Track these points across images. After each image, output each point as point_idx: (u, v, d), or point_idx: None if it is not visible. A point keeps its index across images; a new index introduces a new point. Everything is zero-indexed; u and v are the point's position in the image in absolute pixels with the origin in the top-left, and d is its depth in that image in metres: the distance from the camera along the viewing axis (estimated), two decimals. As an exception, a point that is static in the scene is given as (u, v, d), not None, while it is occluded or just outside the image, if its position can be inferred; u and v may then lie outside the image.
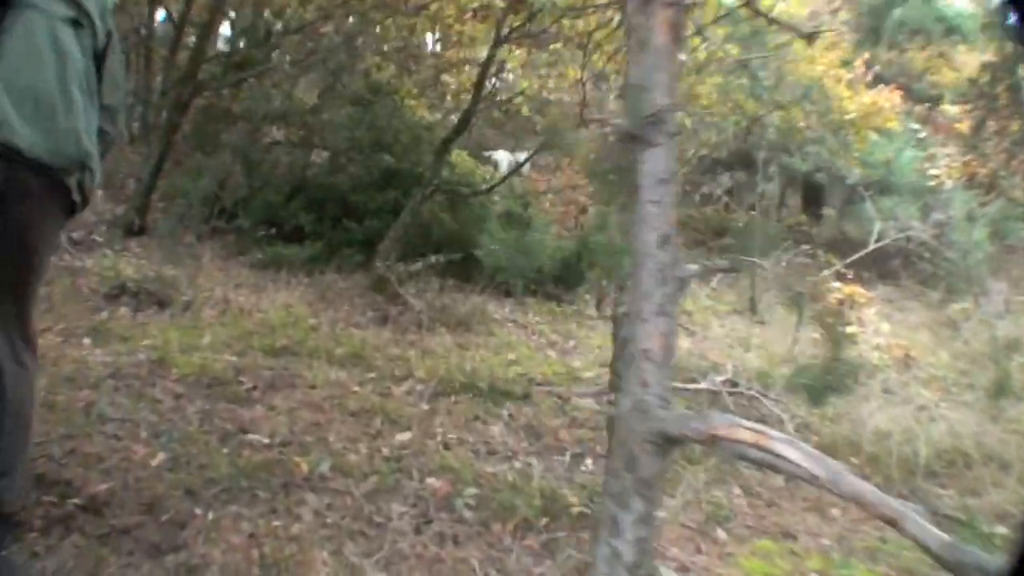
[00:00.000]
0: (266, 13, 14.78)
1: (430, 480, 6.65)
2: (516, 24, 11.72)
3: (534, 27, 11.98)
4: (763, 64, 11.48)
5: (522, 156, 19.56)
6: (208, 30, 13.71)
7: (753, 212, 20.49)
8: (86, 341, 8.56)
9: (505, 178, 13.78)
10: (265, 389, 8.12)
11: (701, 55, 11.55)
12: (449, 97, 16.48)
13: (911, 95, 22.85)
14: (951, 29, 25.12)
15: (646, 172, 3.68)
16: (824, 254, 19.30)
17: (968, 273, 19.85)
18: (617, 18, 10.53)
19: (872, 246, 18.98)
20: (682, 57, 11.88)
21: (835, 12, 19.89)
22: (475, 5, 11.96)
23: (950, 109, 18.25)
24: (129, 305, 9.76)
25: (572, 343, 11.97)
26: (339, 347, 9.59)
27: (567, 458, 7.89)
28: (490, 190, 13.52)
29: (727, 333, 14.48)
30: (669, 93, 3.71)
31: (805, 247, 19.31)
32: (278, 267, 11.91)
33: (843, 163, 22.17)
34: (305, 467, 6.35)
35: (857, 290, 13.05)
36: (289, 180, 13.53)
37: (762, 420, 9.42)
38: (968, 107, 16.65)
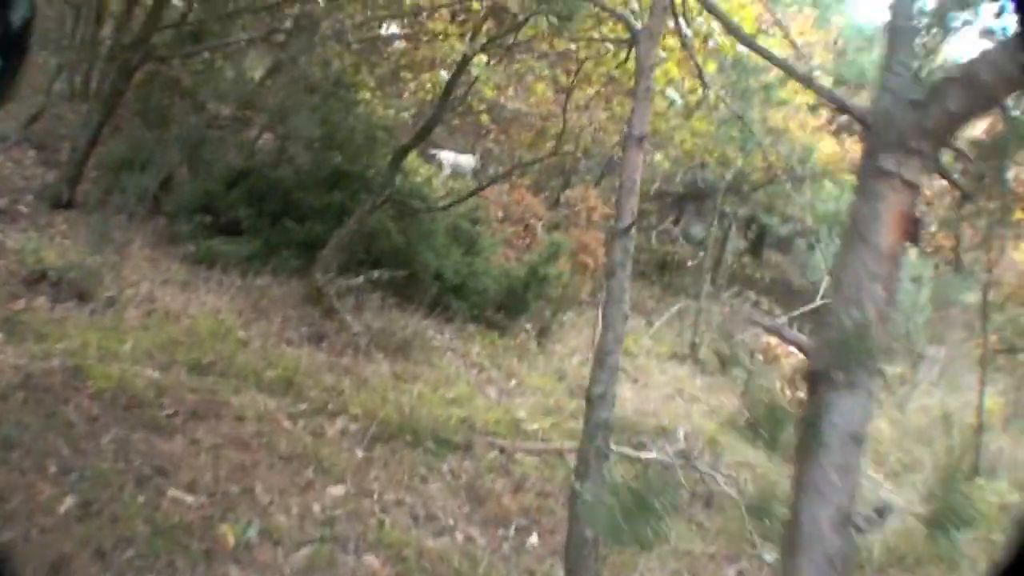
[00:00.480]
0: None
1: (368, 558, 6.12)
2: (495, 33, 11.12)
3: (511, 38, 11.38)
4: (748, 112, 11.07)
5: (464, 158, 19.00)
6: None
7: (701, 252, 20.13)
8: (-2, 335, 7.84)
9: (465, 197, 13.14)
10: (188, 417, 7.47)
11: (692, 99, 11.09)
12: (407, 95, 15.81)
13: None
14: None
15: (835, 424, 2.75)
16: (766, 302, 19.16)
17: (908, 336, 19.83)
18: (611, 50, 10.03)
19: (819, 301, 18.80)
20: (676, 98, 11.56)
21: (807, 55, 19.58)
22: (455, 6, 11.31)
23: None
24: (48, 295, 9.00)
25: (513, 382, 11.48)
26: (270, 368, 8.95)
27: (512, 531, 7.40)
28: (447, 207, 12.88)
29: (669, 381, 14.10)
30: (886, 314, 2.79)
31: (749, 292, 19.14)
32: (211, 264, 11.17)
33: (794, 209, 22.02)
34: (231, 536, 5.74)
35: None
36: (231, 166, 12.74)
37: (711, 494, 9.10)
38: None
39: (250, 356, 9.13)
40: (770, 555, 8.94)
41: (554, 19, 8.77)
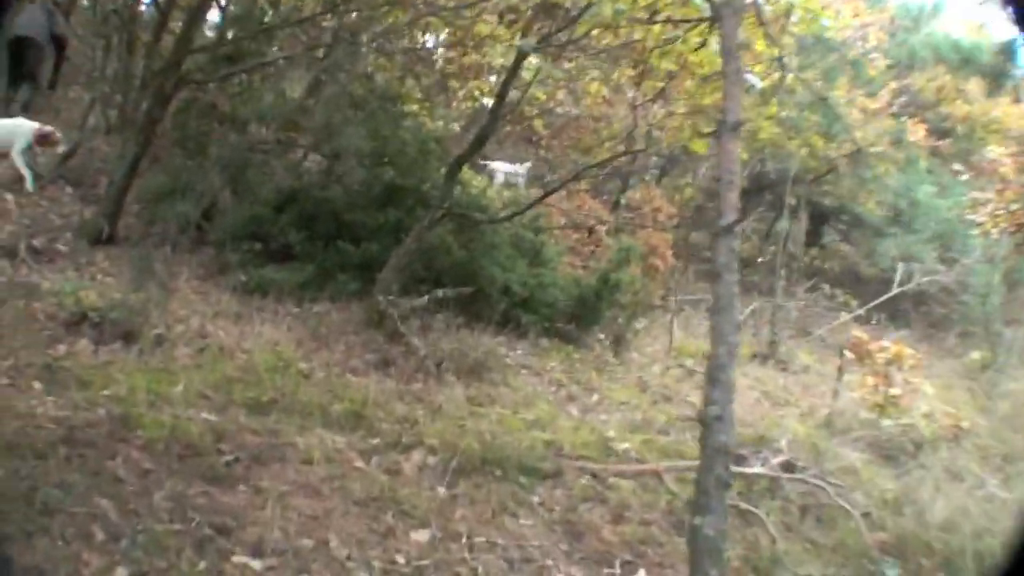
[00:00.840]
0: (261, 1, 13.22)
1: (463, 615, 5.30)
2: (550, 30, 10.32)
3: (567, 35, 10.57)
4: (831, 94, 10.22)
5: (517, 167, 18.21)
6: (196, 16, 12.18)
7: (772, 247, 19.16)
8: (36, 385, 7.12)
9: (528, 207, 12.30)
10: (250, 462, 6.70)
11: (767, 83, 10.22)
12: (455, 104, 15.07)
13: (931, 128, 21.77)
14: (966, 60, 24.09)
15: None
16: (841, 294, 18.15)
17: (985, 318, 18.87)
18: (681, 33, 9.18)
19: (896, 289, 17.89)
20: (756, 82, 10.65)
21: (864, 36, 18.66)
22: (503, 6, 10.48)
23: (992, 151, 17.06)
24: (91, 337, 8.28)
25: (595, 397, 10.64)
26: (336, 401, 8.17)
27: (617, 569, 6.55)
28: (510, 218, 12.06)
29: (752, 384, 13.21)
30: None
31: (823, 285, 18.18)
32: (264, 293, 10.45)
33: (859, 197, 21.10)
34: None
35: (905, 350, 11.84)
36: (278, 189, 12.00)
37: (821, 507, 8.38)
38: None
39: (313, 389, 8.36)
40: (893, 570, 8.08)
41: (619, 6, 7.96)
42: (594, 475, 8.06)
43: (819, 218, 23.67)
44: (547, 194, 12.71)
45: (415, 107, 13.89)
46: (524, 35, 10.58)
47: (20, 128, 11.93)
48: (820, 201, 22.13)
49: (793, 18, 8.96)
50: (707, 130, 11.01)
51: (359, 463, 7.13)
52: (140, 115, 12.07)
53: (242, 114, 12.19)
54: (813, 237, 23.82)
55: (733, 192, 5.63)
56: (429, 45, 13.34)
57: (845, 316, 17.92)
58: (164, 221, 11.23)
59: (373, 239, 11.41)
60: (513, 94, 11.82)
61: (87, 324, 8.41)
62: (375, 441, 7.63)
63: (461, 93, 14.57)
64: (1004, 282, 19.55)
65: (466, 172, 13.06)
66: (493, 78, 13.51)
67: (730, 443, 5.31)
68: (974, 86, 23.97)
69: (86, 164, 12.88)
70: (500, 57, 12.10)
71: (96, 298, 8.74)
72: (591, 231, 14.80)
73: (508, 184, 17.58)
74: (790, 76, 8.91)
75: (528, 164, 18.88)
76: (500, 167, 17.96)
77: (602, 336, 12.92)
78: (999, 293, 19.50)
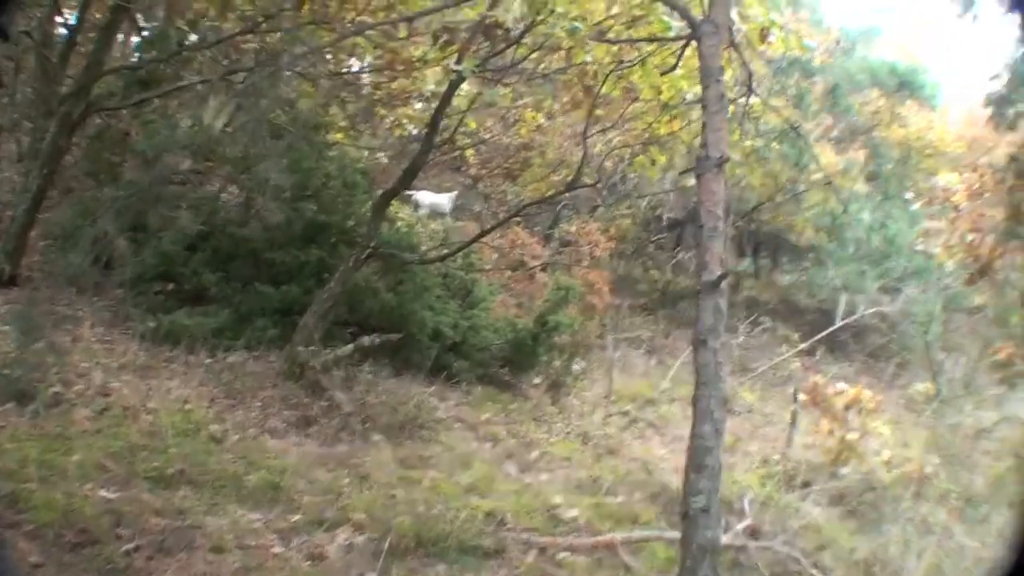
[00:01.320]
0: (180, 22, 12.35)
1: None
2: (489, 53, 9.65)
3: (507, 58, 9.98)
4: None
5: (442, 197, 17.52)
6: (107, 36, 11.27)
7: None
8: (-89, 460, 6.32)
9: (462, 247, 11.60)
10: (153, 552, 5.95)
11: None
12: (381, 133, 14.35)
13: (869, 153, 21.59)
14: (903, 84, 23.96)
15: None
16: (781, 327, 17.75)
17: (925, 348, 18.65)
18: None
19: (840, 322, 17.57)
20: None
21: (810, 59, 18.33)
22: (435, 27, 9.70)
23: (943, 178, 16.83)
24: (-21, 399, 7.43)
25: (535, 453, 10.03)
26: (251, 471, 7.45)
27: None
28: (442, 259, 11.38)
29: (696, 428, 12.63)
30: None
31: (763, 319, 17.77)
32: (174, 342, 9.65)
33: (796, 224, 20.79)
34: None
35: (864, 392, 11.47)
36: (191, 226, 11.15)
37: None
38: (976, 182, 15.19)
39: (226, 456, 7.63)
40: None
41: (575, 24, 7.34)
42: (542, 549, 7.41)
43: (752, 247, 23.34)
44: (483, 234, 12.02)
45: (339, 136, 13.13)
46: (460, 59, 9.88)
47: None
48: (754, 229, 21.79)
49: (770, 38, 8.32)
50: (661, 159, 10.40)
51: (277, 548, 6.41)
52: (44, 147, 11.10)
53: (155, 143, 11.32)
54: (756, 266, 23.50)
55: (717, 241, 5.07)
56: (355, 69, 12.47)
57: (786, 350, 17.47)
58: (69, 261, 10.40)
59: (294, 280, 10.68)
60: (444, 122, 11.17)
61: (-25, 383, 7.57)
62: (295, 518, 6.93)
63: (388, 121, 13.82)
64: (944, 310, 19.33)
65: (392, 204, 12.39)
66: (421, 105, 12.74)
67: (717, 539, 4.74)
68: (908, 109, 23.86)
69: (-10, 198, 11.95)
70: (432, 83, 11.44)
71: (-11, 350, 7.91)
72: (524, 267, 14.13)
73: (433, 214, 16.83)
74: (756, 101, 8.38)
75: (454, 193, 18.18)
76: (425, 197, 17.18)
77: (538, 381, 12.29)
78: (939, 321, 19.30)
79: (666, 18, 7.94)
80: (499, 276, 13.86)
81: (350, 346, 9.80)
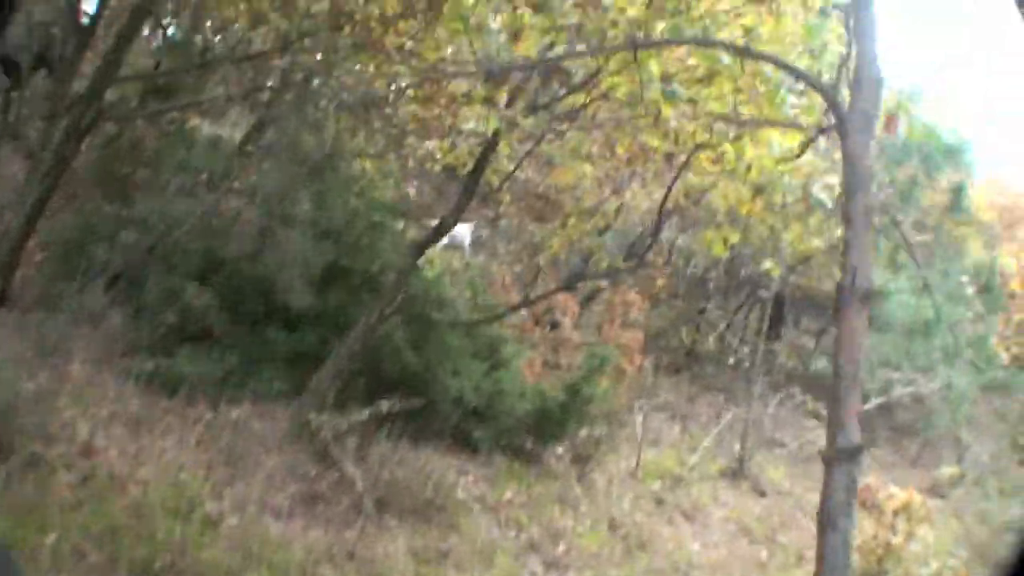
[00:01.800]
0: (205, 29, 11.34)
1: None
2: (551, 98, 8.69)
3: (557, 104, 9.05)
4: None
5: (461, 228, 16.42)
6: (125, 40, 10.24)
7: (735, 341, 17.67)
8: None
9: (501, 316, 10.55)
10: None
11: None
12: (410, 163, 13.30)
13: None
14: (947, 151, 23.02)
15: None
16: (810, 400, 16.69)
17: (953, 429, 17.87)
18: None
19: (875, 401, 16.58)
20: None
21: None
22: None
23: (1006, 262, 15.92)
24: (-54, 455, 6.44)
25: (561, 547, 9.05)
26: (249, 567, 6.44)
27: None
28: (476, 324, 10.34)
29: (729, 516, 11.73)
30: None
31: (792, 390, 16.74)
32: (173, 389, 8.62)
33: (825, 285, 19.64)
34: None
35: (915, 497, 10.62)
36: (204, 252, 10.14)
37: None
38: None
39: (222, 544, 6.64)
40: None
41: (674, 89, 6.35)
42: None
43: (777, 307, 22.17)
44: (528, 303, 10.96)
45: (366, 164, 12.11)
46: (511, 99, 8.92)
47: None
48: (781, 292, 20.65)
49: (897, 125, 7.35)
50: (733, 237, 9.42)
51: None
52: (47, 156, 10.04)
53: (170, 157, 10.35)
54: (773, 329, 22.32)
55: (855, 395, 4.05)
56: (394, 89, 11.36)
57: (814, 424, 16.41)
58: (68, 277, 9.45)
59: (309, 327, 9.69)
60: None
61: (-54, 437, 6.58)
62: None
63: (420, 152, 12.73)
64: (981, 390, 18.39)
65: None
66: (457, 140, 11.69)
67: None
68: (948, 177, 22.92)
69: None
70: (474, 121, 10.52)
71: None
72: (556, 326, 13.06)
73: (451, 247, 15.65)
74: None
75: (473, 224, 17.06)
76: (465, 231, 16.05)
77: (560, 450, 11.24)
78: (969, 402, 18.36)
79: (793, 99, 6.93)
80: (529, 336, 12.79)
81: (366, 411, 8.77)
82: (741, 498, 13.19)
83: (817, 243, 10.83)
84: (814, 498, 12.28)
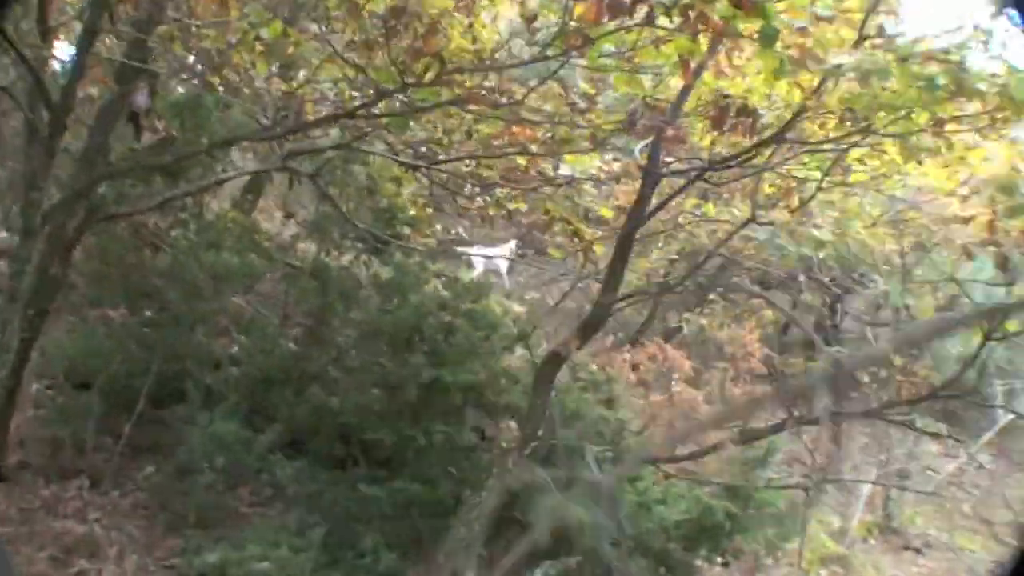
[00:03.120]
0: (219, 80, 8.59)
1: None
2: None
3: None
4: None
5: (497, 252, 13.99)
6: (113, 111, 7.68)
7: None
8: None
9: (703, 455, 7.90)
10: None
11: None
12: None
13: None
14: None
15: None
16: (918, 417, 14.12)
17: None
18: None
19: (1006, 418, 14.19)
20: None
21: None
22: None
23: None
24: None
25: None
26: None
27: None
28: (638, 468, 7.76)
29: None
30: None
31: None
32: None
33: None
34: None
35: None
36: (247, 385, 7.71)
37: None
38: None
39: None
40: None
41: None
42: None
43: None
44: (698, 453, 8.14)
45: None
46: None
47: None
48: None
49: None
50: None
51: None
52: (30, 271, 7.52)
53: (186, 266, 7.94)
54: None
55: None
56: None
57: (936, 448, 14.00)
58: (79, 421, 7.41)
59: (408, 468, 7.28)
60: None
61: None
62: None
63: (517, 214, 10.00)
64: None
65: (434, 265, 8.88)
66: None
67: None
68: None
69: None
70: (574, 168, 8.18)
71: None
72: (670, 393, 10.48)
73: (487, 273, 13.08)
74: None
75: (511, 245, 14.47)
76: (477, 253, 13.51)
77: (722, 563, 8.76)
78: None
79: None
80: (640, 399, 10.25)
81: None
82: (900, 564, 11.46)
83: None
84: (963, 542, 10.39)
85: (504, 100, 6.12)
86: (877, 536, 11.96)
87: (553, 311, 13.78)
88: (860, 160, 6.82)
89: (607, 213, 9.22)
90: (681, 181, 7.01)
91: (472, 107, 6.40)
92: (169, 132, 8.53)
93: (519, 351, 8.33)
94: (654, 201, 7.00)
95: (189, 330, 8.10)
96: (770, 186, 7.62)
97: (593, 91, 6.17)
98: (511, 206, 9.21)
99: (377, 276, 8.40)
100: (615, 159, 8.08)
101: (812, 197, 6.51)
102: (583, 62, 5.80)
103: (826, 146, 6.31)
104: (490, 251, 13.99)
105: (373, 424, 7.40)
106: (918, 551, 11.97)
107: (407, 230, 9.09)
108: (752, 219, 6.15)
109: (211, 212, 9.18)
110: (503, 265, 14.26)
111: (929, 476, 13.10)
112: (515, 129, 7.32)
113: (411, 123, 7.34)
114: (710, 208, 8.54)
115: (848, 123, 5.88)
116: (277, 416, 7.60)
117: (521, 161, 7.89)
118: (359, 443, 7.47)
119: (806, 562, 10.09)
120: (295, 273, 8.68)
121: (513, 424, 8.09)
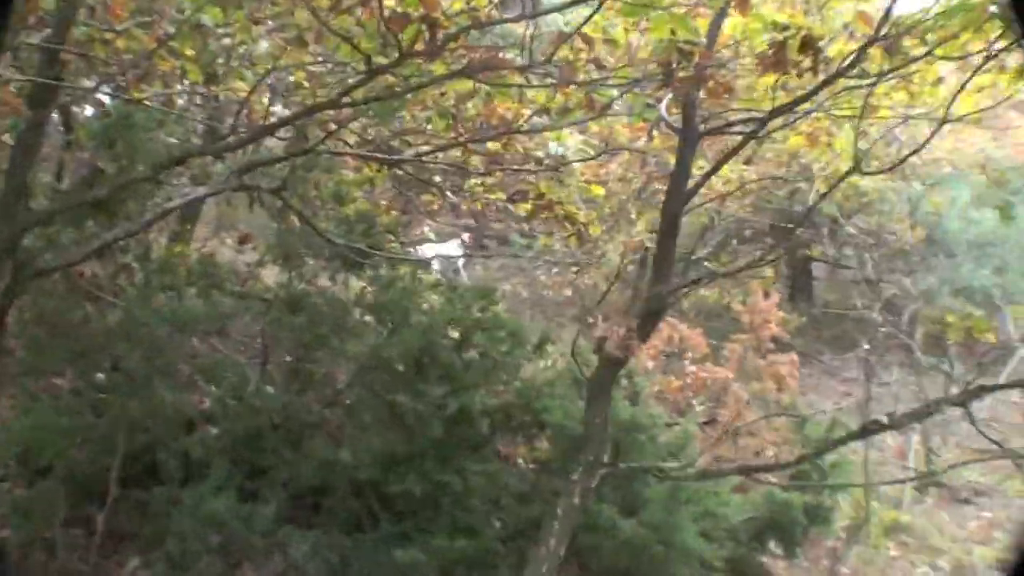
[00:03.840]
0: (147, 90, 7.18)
1: None
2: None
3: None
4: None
5: (448, 247, 13.05)
6: (30, 144, 6.31)
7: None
8: None
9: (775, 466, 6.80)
10: None
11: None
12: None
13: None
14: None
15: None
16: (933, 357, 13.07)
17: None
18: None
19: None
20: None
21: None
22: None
23: None
24: None
25: None
26: None
27: None
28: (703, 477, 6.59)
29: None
30: None
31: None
32: None
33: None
34: None
35: None
36: (232, 448, 6.46)
37: None
38: None
39: None
40: None
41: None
42: None
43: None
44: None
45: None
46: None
47: None
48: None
49: None
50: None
51: None
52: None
53: (139, 318, 6.68)
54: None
55: None
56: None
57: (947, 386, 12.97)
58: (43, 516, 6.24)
59: (440, 521, 6.11)
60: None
61: None
62: None
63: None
64: None
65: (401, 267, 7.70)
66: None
67: None
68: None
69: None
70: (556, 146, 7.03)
71: None
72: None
73: (444, 272, 11.95)
74: None
75: (459, 240, 13.54)
76: (431, 251, 12.36)
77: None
78: None
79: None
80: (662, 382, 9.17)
81: None
82: (958, 518, 10.83)
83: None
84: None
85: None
86: (924, 493, 11.29)
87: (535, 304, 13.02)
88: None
89: (598, 191, 8.10)
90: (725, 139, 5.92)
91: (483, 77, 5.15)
92: (95, 162, 7.29)
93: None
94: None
95: (147, 388, 6.83)
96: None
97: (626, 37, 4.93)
98: (492, 197, 8.13)
99: (363, 296, 7.23)
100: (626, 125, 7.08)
101: (920, 148, 5.40)
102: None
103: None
104: (443, 247, 13.09)
105: (398, 474, 6.19)
106: (969, 503, 11.36)
107: (387, 238, 7.92)
108: (856, 168, 5.03)
109: (159, 250, 7.93)
110: (456, 259, 13.29)
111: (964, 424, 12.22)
112: (499, 106, 6.25)
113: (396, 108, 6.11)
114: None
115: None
116: (275, 479, 6.36)
117: (495, 146, 6.83)
118: (376, 495, 6.26)
119: (873, 537, 9.55)
120: (265, 306, 7.43)
121: (546, 445, 7.00)
